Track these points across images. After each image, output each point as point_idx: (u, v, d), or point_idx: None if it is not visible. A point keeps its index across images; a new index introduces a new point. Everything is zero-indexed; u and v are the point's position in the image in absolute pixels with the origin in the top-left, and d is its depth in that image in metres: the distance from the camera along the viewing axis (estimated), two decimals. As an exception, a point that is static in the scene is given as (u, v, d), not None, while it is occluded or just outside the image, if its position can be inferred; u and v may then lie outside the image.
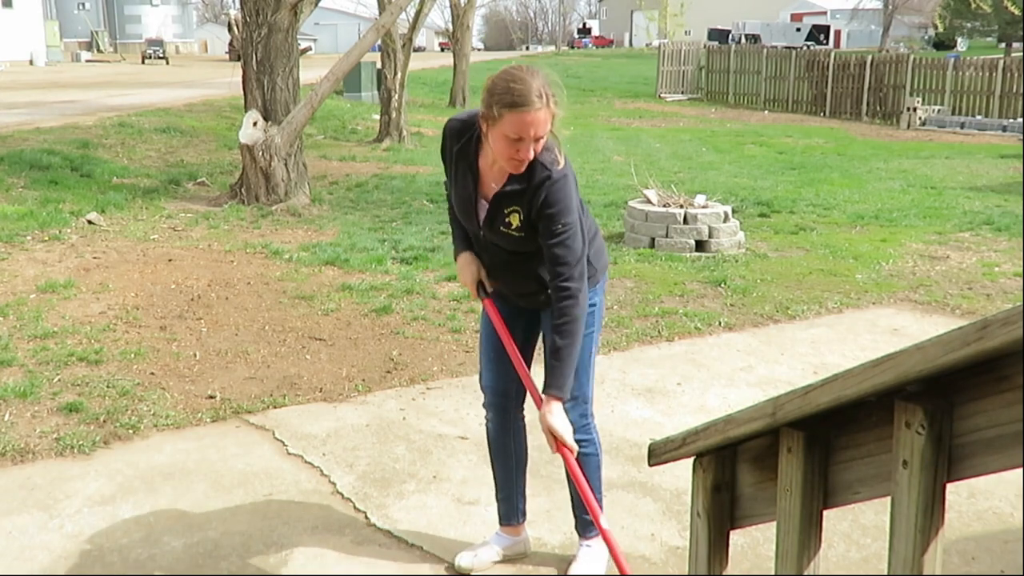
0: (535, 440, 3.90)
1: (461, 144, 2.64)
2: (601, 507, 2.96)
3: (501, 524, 3.08)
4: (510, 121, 2.39)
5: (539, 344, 2.91)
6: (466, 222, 2.74)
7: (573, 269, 2.53)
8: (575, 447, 2.53)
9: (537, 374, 2.69)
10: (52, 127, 13.00)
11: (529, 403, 2.86)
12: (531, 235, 2.59)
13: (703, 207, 7.70)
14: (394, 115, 15.37)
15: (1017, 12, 33.06)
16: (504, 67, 2.49)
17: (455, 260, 2.88)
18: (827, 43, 52.72)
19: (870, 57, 24.27)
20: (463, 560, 2.98)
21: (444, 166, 2.77)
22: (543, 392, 2.55)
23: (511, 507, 3.06)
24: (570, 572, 2.94)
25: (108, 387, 4.40)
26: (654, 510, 3.38)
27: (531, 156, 2.46)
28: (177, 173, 10.95)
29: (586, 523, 2.99)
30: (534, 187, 2.52)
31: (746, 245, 7.73)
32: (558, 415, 2.51)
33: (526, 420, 3.04)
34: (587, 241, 2.63)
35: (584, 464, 2.75)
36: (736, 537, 2.35)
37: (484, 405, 3.02)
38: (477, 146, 2.62)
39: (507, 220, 2.59)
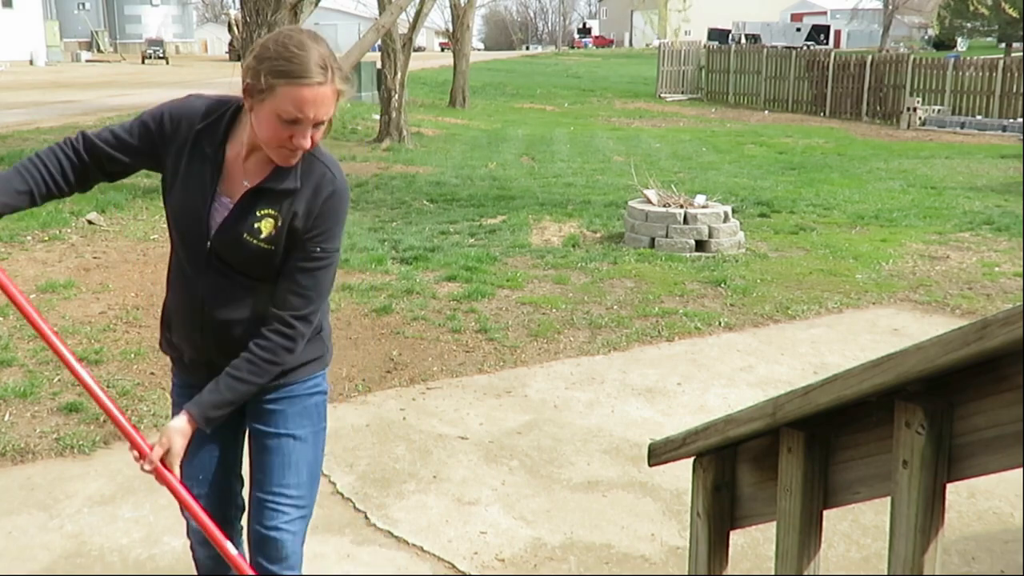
0: (531, 441, 3.92)
1: (205, 124, 2.00)
2: None
3: None
4: (286, 96, 1.84)
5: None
6: (187, 228, 2.02)
7: (310, 308, 2.04)
8: (175, 472, 2.03)
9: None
10: (52, 127, 13.01)
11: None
12: (279, 252, 1.99)
13: (703, 207, 7.70)
14: (394, 115, 15.36)
15: (1015, 14, 33.07)
16: (278, 29, 2.02)
17: None
18: (827, 43, 52.67)
19: (870, 57, 24.27)
20: None
21: (145, 152, 2.06)
22: (186, 408, 2.04)
23: None
24: None
25: (108, 387, 4.39)
26: (654, 510, 3.38)
27: (308, 144, 1.92)
28: (177, 173, 10.94)
29: None
30: (313, 189, 1.99)
31: (746, 245, 7.73)
32: (181, 427, 2.03)
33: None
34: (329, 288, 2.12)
35: None
36: (736, 537, 2.35)
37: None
38: (227, 130, 2.00)
39: (257, 226, 1.97)
